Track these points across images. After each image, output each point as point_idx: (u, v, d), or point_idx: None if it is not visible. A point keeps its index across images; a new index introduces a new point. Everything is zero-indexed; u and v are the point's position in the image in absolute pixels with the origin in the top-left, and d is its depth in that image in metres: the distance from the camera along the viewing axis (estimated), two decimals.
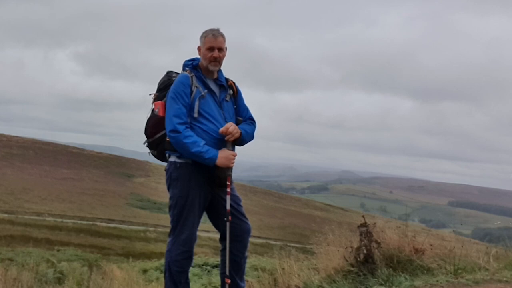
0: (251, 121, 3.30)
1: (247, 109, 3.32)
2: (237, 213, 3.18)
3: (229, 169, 3.03)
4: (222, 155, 2.97)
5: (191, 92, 3.02)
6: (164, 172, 3.19)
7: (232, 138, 3.03)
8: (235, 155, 3.05)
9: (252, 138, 3.27)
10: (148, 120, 3.21)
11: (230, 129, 3.00)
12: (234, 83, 3.26)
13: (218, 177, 3.02)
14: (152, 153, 3.27)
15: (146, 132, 3.22)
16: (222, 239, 3.22)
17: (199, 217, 3.15)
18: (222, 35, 3.09)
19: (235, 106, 3.25)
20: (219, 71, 3.18)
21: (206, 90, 3.07)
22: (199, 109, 3.01)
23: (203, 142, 2.95)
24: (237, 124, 3.17)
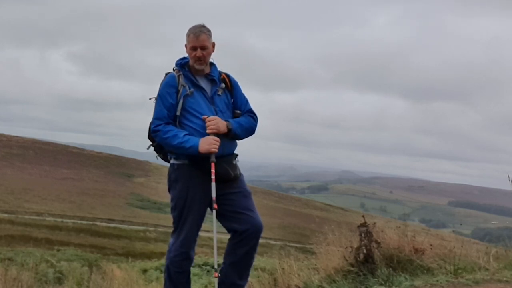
0: (250, 114, 3.18)
1: (245, 102, 3.20)
2: (240, 209, 3.05)
3: (212, 155, 2.92)
4: (203, 141, 2.89)
5: (178, 91, 3.00)
6: (166, 173, 3.18)
7: (211, 131, 2.91)
8: (217, 140, 2.92)
9: (250, 131, 3.15)
10: (150, 124, 3.17)
11: (209, 123, 2.92)
12: (227, 76, 3.16)
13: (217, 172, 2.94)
14: (159, 157, 3.26)
15: (149, 137, 3.19)
16: (232, 234, 3.10)
17: (200, 218, 3.09)
18: (205, 32, 2.99)
19: (232, 100, 3.16)
20: (213, 65, 3.13)
21: (192, 89, 3.01)
22: (184, 107, 2.98)
23: (183, 133, 2.92)
24: (234, 117, 3.10)
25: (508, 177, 4.45)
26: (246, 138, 3.22)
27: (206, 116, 2.94)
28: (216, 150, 2.89)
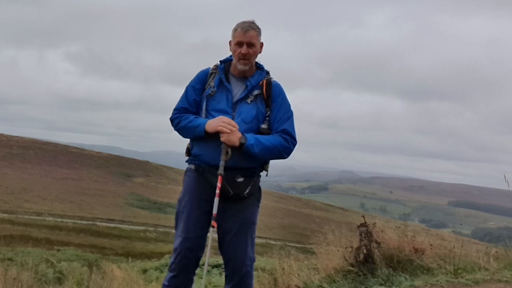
0: (285, 135, 2.65)
1: (283, 119, 2.67)
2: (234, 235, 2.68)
3: (221, 166, 2.56)
4: (212, 120, 2.58)
5: (204, 89, 2.73)
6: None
7: (222, 139, 2.54)
8: (230, 122, 2.54)
9: (275, 153, 2.63)
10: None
11: (223, 124, 2.53)
12: (269, 84, 2.71)
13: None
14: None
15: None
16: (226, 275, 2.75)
17: (194, 226, 2.68)
18: (255, 29, 2.66)
19: (268, 111, 2.69)
20: (260, 69, 2.76)
21: (215, 89, 2.67)
22: (207, 109, 2.68)
23: (194, 116, 2.68)
24: (261, 133, 2.64)
25: (505, 177, 4.45)
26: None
27: (227, 119, 2.57)
28: (225, 130, 2.51)
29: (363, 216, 4.21)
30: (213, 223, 2.58)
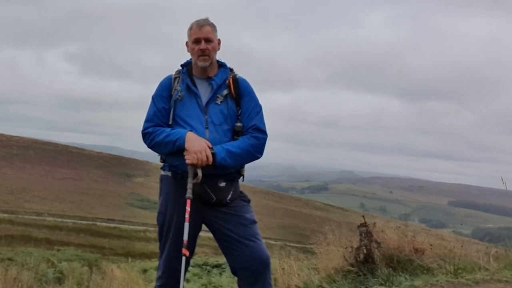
0: (255, 131, 2.58)
1: (253, 116, 2.60)
2: (239, 237, 2.55)
3: (188, 190, 2.43)
4: (194, 139, 2.43)
5: (171, 95, 2.60)
6: None
7: (189, 162, 2.43)
8: (205, 154, 2.41)
9: (249, 157, 2.55)
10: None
11: (187, 154, 2.43)
12: (236, 81, 2.62)
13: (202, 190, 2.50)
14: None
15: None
16: (237, 278, 2.64)
17: (190, 235, 2.54)
18: (210, 25, 2.60)
19: (239, 110, 2.60)
20: (222, 67, 2.67)
21: (183, 93, 2.58)
22: (174, 115, 2.58)
23: (170, 129, 2.54)
24: (236, 131, 2.58)
25: (502, 179, 4.47)
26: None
27: (209, 152, 2.44)
28: (191, 161, 2.41)
29: (363, 216, 4.22)
30: (184, 251, 2.42)
